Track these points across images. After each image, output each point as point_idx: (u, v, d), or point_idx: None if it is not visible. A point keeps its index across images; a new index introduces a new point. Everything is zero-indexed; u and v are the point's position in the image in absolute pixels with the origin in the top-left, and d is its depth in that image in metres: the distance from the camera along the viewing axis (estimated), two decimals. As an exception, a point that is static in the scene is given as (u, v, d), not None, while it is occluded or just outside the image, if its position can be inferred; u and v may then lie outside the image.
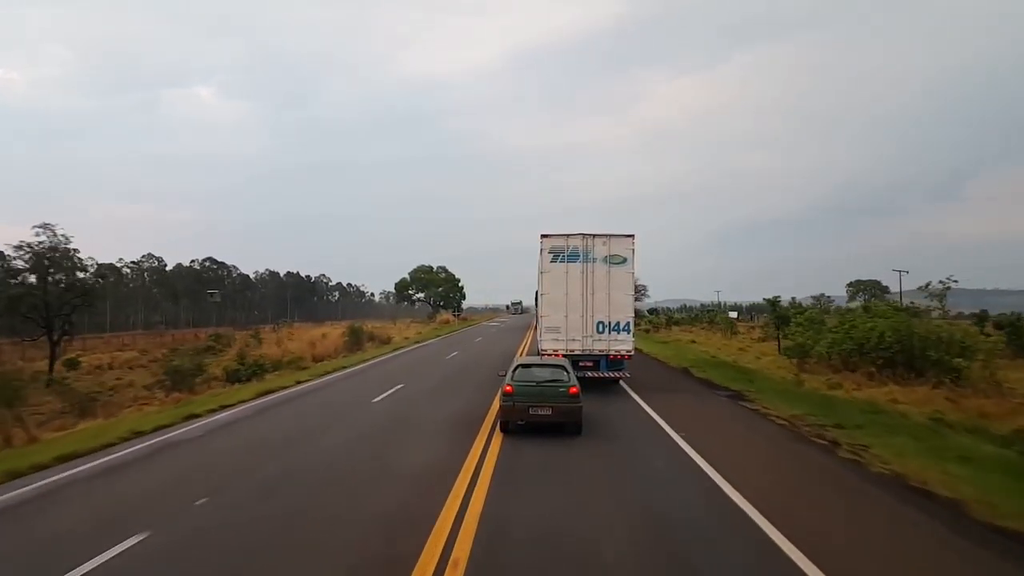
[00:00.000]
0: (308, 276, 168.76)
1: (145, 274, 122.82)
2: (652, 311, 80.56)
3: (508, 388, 11.03)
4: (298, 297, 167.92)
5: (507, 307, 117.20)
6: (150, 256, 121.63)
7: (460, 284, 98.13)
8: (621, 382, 16.83)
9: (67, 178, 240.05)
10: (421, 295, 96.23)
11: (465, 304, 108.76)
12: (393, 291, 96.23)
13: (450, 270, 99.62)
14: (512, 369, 11.49)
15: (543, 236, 16.98)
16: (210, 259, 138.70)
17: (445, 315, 77.74)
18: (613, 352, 16.47)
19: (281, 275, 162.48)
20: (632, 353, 16.66)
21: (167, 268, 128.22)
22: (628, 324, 16.43)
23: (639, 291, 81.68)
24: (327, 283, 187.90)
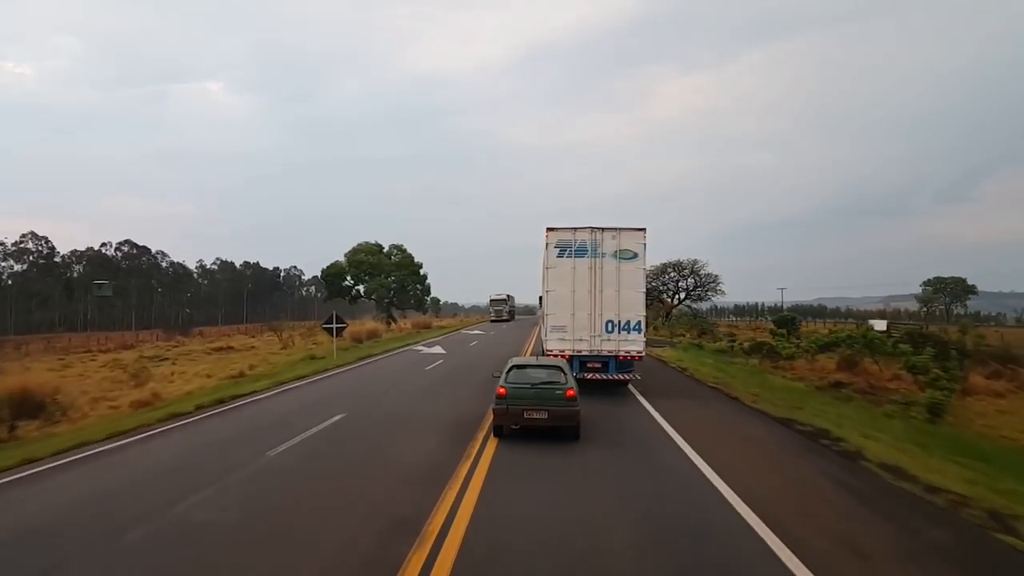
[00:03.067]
0: (276, 268, 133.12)
1: (29, 258, 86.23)
2: (788, 321, 38.22)
3: (501, 390, 10.52)
4: (259, 292, 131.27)
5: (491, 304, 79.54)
6: (32, 235, 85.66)
7: (422, 272, 69.79)
8: None
9: (76, 170, 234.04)
10: (362, 287, 66.38)
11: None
12: (322, 281, 58.97)
13: (408, 250, 70.17)
14: (506, 370, 11.05)
15: (549, 230, 16.11)
16: (128, 242, 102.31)
17: (370, 324, 42.75)
18: (623, 353, 15.62)
19: (237, 265, 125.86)
20: (642, 354, 15.78)
21: (58, 254, 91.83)
22: (639, 323, 15.69)
23: (711, 281, 58.34)
24: (299, 276, 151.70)
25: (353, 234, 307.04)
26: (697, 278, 57.33)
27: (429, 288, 65.43)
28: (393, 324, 59.76)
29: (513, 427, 10.48)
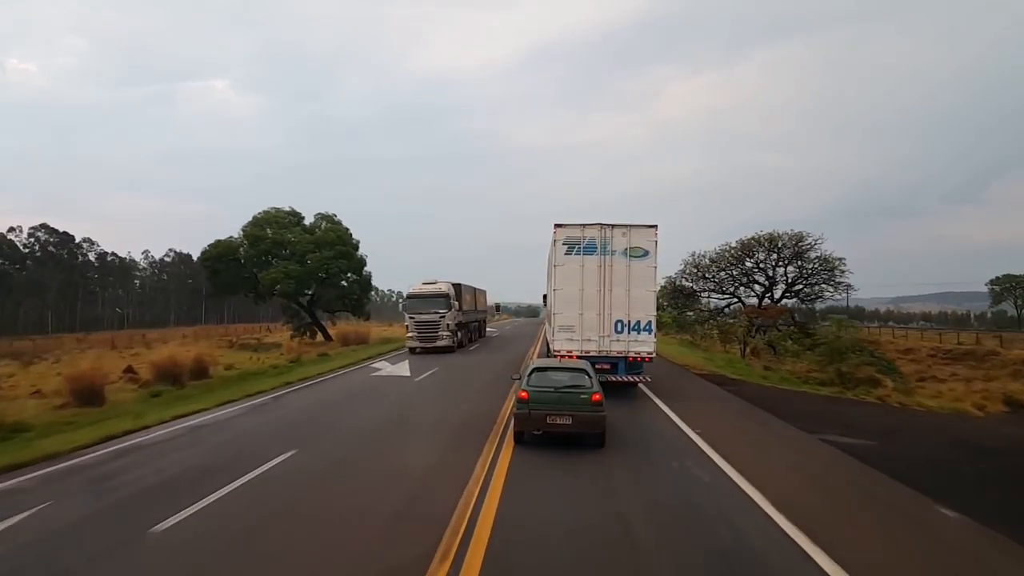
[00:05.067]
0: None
1: None
2: None
3: (523, 394, 10.06)
4: (227, 289, 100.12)
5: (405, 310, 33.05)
6: None
7: (359, 253, 42.52)
8: None
9: (82, 169, 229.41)
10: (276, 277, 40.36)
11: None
12: (204, 269, 31.28)
13: (342, 222, 43.39)
14: (528, 373, 10.67)
15: (557, 226, 15.77)
16: (44, 227, 76.60)
17: (168, 349, 16.82)
18: (632, 354, 15.37)
19: (194, 258, 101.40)
20: (653, 356, 15.67)
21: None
22: (649, 324, 15.49)
23: (827, 269, 34.76)
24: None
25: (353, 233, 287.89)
26: (801, 264, 33.75)
27: (369, 279, 41.12)
28: (301, 337, 36.31)
29: (535, 432, 10.13)
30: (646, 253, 15.21)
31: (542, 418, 9.79)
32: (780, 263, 35.48)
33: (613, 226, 15.42)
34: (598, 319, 15.23)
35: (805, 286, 35.39)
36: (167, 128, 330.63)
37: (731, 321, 36.33)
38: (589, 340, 15.29)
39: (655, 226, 15.46)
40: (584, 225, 15.48)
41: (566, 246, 15.50)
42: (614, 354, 15.30)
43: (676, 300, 40.29)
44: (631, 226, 15.40)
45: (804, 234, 34.75)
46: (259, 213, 41.42)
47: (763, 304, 36.11)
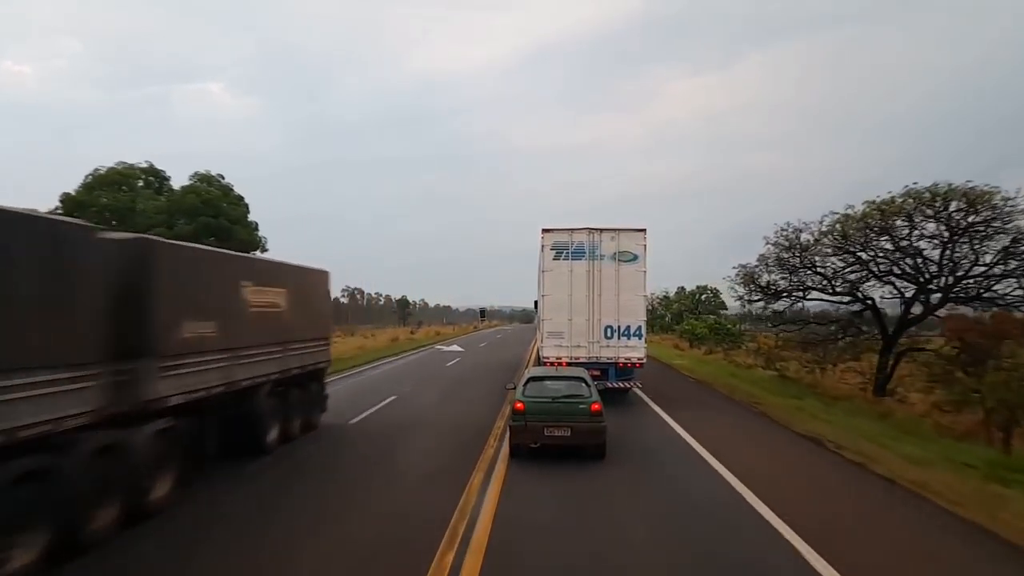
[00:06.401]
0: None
1: None
2: None
3: (519, 405, 9.84)
4: None
5: None
6: None
7: (257, 234, 30.04)
8: None
9: (76, 171, 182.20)
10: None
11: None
12: None
13: (231, 186, 30.27)
14: (523, 382, 10.49)
15: (544, 231, 16.00)
16: None
17: None
18: (623, 360, 15.66)
19: None
20: (644, 361, 16.16)
21: None
22: (639, 328, 15.81)
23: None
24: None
25: (348, 234, 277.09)
26: (978, 245, 19.05)
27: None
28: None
29: (532, 445, 9.96)
30: (635, 257, 15.42)
31: (539, 430, 9.67)
32: (952, 240, 18.98)
33: (602, 230, 15.71)
34: (587, 324, 15.56)
35: (1004, 274, 18.25)
36: (164, 128, 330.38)
37: (859, 338, 21.19)
38: (579, 346, 15.62)
39: (644, 230, 15.75)
40: (572, 229, 15.83)
41: (554, 251, 15.76)
42: (604, 360, 15.63)
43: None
44: (620, 230, 15.73)
45: (991, 191, 17.95)
46: (100, 170, 29.25)
47: (911, 311, 20.14)
